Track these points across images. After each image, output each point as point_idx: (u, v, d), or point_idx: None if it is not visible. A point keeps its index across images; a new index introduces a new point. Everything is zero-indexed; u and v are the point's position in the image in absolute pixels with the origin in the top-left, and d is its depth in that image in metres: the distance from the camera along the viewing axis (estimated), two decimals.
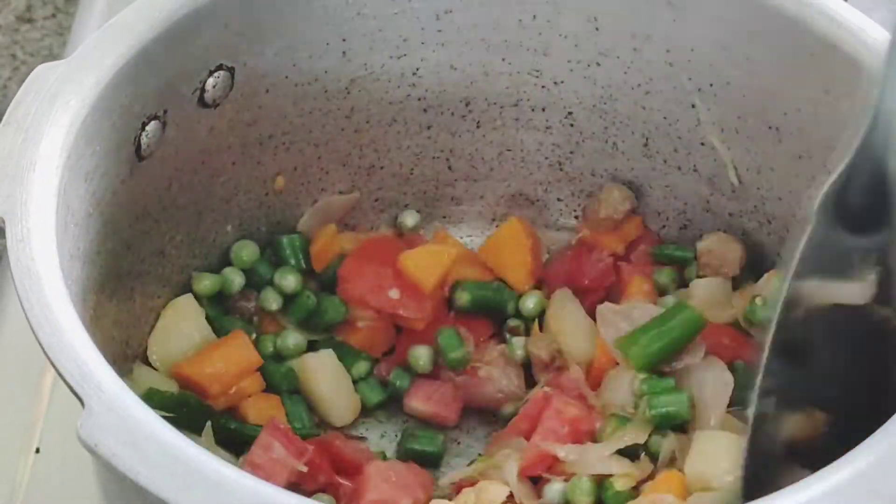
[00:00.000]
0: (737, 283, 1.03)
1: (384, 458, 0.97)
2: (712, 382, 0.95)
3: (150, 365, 0.97)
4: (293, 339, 1.01)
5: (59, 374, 0.72)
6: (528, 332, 1.02)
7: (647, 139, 1.03)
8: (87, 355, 0.73)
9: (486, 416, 1.02)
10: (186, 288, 1.01)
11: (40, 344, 0.74)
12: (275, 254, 1.04)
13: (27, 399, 1.07)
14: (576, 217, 1.09)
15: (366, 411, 1.01)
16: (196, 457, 0.69)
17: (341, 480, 0.92)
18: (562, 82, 1.03)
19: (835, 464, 0.71)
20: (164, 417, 0.71)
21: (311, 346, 1.02)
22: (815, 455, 0.73)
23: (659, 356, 0.95)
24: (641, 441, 0.92)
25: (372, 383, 1.02)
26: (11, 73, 1.39)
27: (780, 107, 0.95)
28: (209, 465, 0.69)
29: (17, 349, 0.76)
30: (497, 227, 1.10)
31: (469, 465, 0.97)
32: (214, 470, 0.69)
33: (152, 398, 0.90)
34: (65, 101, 0.84)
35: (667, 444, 0.92)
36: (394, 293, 1.00)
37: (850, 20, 0.90)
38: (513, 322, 1.03)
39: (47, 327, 0.74)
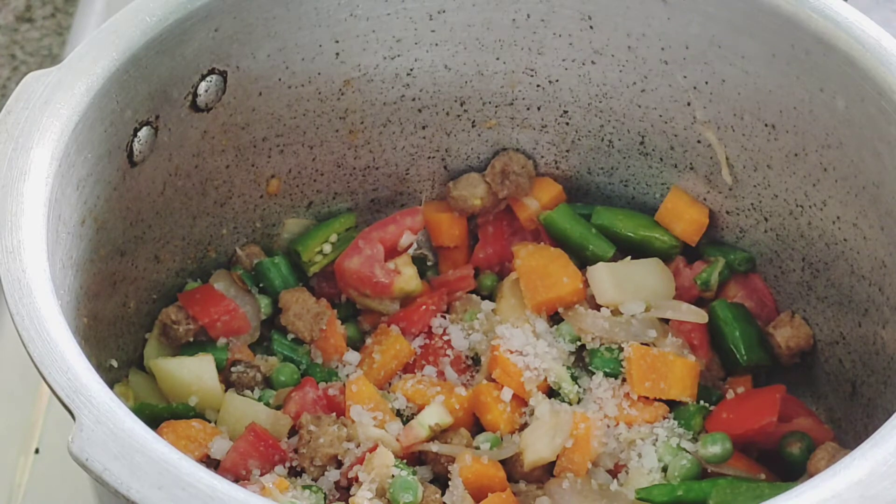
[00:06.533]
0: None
1: None
2: None
3: (145, 371, 0.97)
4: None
5: (50, 388, 0.72)
6: None
7: (642, 137, 1.03)
8: (78, 369, 0.72)
9: None
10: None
11: (31, 357, 0.74)
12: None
13: (27, 399, 1.07)
14: None
15: None
16: (188, 470, 0.69)
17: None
18: (556, 81, 1.02)
19: (829, 470, 0.70)
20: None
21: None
22: None
23: None
24: None
25: None
26: (11, 72, 1.39)
27: (775, 104, 0.94)
28: (202, 478, 0.69)
29: (17, 350, 0.76)
30: None
31: None
32: (207, 483, 0.68)
33: (144, 411, 0.90)
34: (55, 109, 0.84)
35: None
36: None
37: (846, 18, 0.89)
38: None
39: (38, 341, 0.74)
